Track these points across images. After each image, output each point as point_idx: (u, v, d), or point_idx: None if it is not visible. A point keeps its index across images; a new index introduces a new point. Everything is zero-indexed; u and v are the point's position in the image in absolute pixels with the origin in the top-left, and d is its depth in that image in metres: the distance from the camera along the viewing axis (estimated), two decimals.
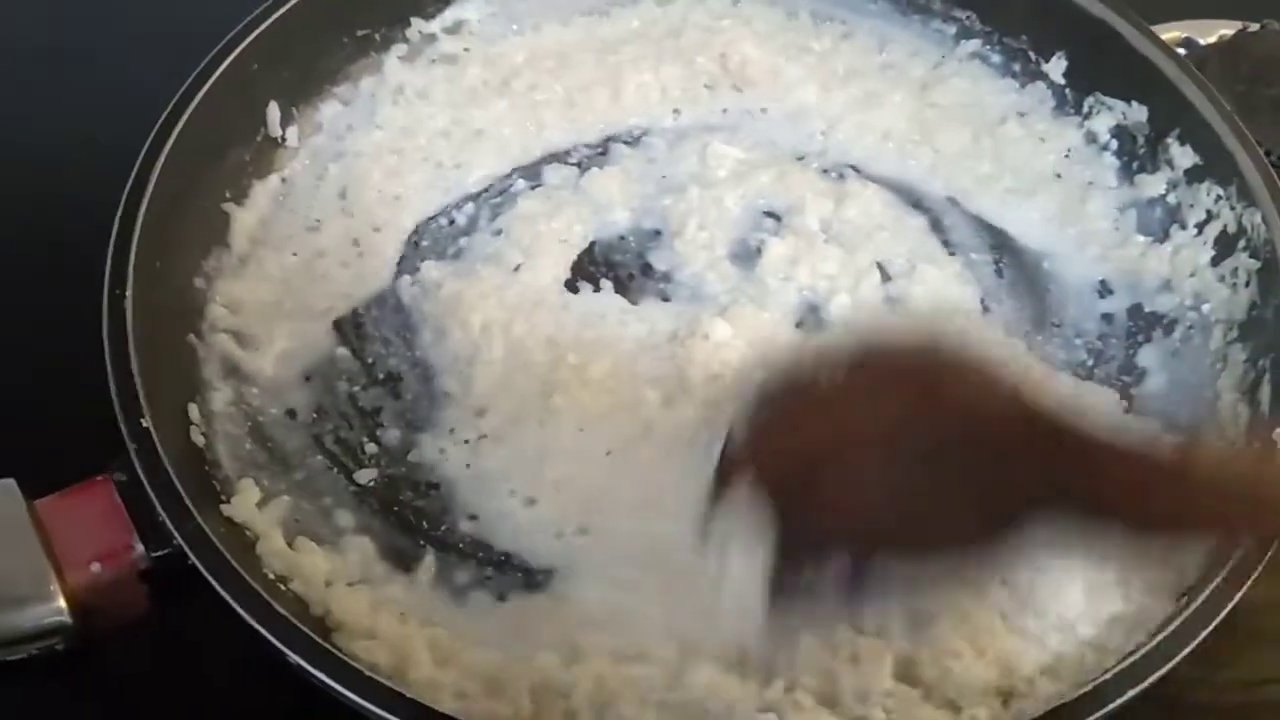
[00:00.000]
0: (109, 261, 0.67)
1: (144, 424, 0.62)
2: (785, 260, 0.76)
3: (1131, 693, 0.58)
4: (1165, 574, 0.63)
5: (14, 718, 0.66)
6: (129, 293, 0.66)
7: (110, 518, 0.61)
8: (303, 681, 0.57)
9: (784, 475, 0.50)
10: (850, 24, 0.87)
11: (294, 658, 0.56)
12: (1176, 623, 0.60)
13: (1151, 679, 0.58)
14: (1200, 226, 0.76)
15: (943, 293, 0.76)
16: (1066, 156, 0.82)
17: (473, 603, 0.66)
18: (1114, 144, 0.81)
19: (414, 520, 0.69)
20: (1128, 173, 0.80)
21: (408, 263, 0.78)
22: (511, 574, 0.67)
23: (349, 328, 0.76)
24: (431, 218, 0.80)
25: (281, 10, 0.77)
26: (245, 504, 0.66)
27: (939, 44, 0.86)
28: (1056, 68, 0.83)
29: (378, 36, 0.83)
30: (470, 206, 0.80)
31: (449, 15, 0.85)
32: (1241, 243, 0.73)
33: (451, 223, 0.80)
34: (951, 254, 0.79)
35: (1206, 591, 0.60)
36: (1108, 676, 0.58)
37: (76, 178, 0.79)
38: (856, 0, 0.87)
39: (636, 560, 0.65)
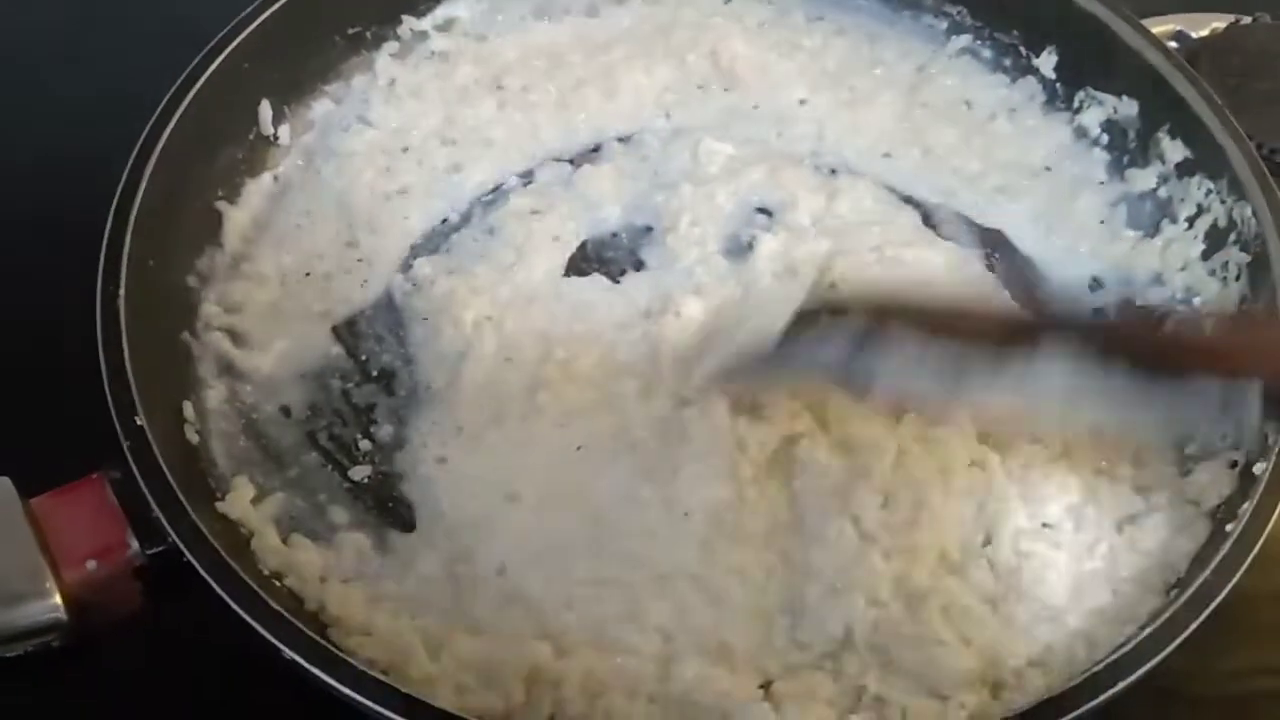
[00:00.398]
0: (102, 260, 0.67)
1: (138, 422, 0.62)
2: (778, 255, 0.76)
3: (1121, 685, 0.58)
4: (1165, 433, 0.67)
5: (10, 714, 0.66)
6: (122, 291, 0.66)
7: (105, 515, 0.61)
8: (298, 678, 0.57)
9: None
10: (841, 21, 0.87)
11: (289, 654, 0.57)
12: (1166, 615, 0.60)
13: (1141, 671, 0.58)
14: (1191, 220, 0.76)
15: (934, 280, 0.76)
16: (1057, 152, 0.82)
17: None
18: (1104, 139, 0.81)
19: (407, 515, 0.69)
20: (1118, 167, 0.81)
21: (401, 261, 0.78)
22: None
23: (343, 326, 0.76)
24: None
25: (273, 8, 0.77)
26: (240, 501, 0.66)
27: (930, 40, 0.86)
28: (1047, 62, 0.83)
29: (369, 34, 0.83)
30: (463, 204, 0.80)
31: (440, 13, 0.85)
32: (1232, 236, 0.74)
33: (444, 220, 0.80)
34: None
35: (1196, 584, 0.61)
36: (1098, 669, 0.59)
37: (69, 176, 0.79)
38: None
39: (611, 556, 0.66)
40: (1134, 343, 0.61)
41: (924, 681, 0.63)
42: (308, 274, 0.77)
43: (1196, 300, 0.75)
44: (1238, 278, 0.73)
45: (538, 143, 0.82)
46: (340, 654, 0.57)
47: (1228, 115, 0.75)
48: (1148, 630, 0.60)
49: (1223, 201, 0.74)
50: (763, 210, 0.79)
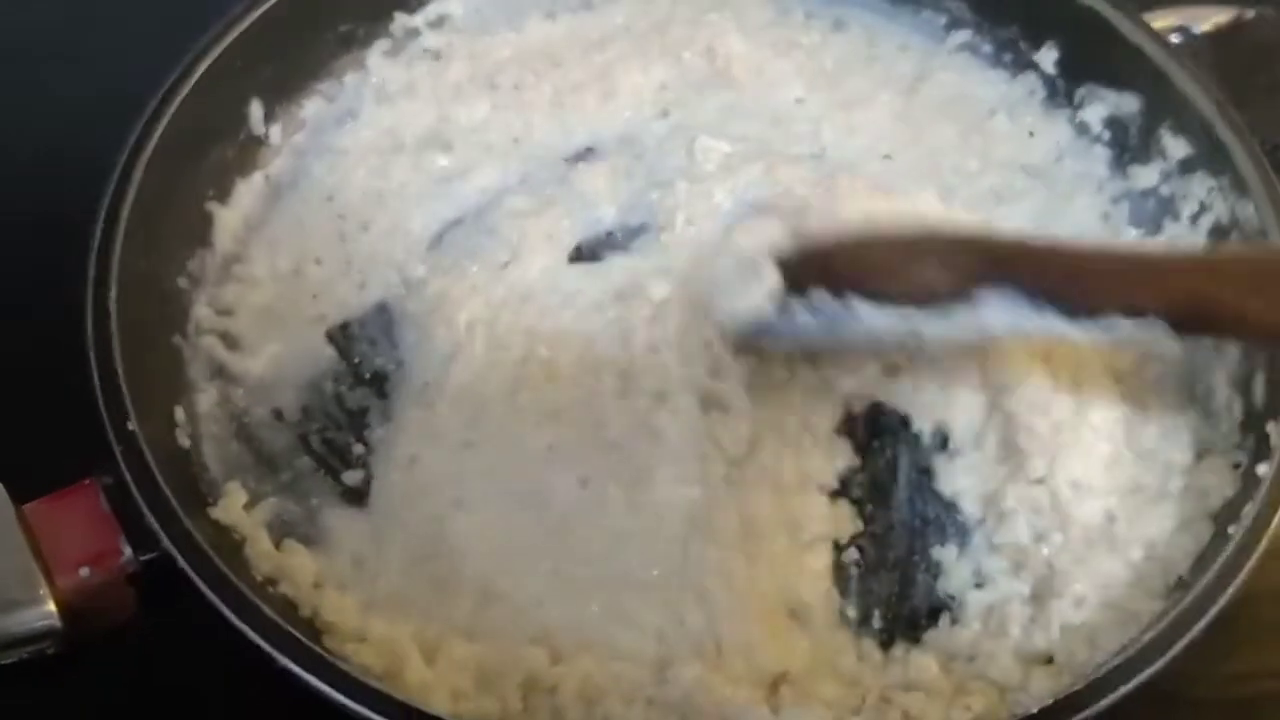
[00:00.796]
0: (92, 263, 0.66)
1: (130, 427, 0.61)
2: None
3: (1129, 686, 0.58)
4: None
5: None
6: (113, 294, 0.65)
7: (98, 521, 0.60)
8: (293, 685, 0.57)
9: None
10: (839, 17, 0.86)
11: (283, 661, 0.56)
12: (1171, 616, 0.60)
13: (1150, 672, 0.58)
14: (1194, 218, 0.76)
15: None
16: (1057, 149, 0.81)
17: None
18: (1106, 135, 0.80)
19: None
20: (1120, 164, 0.80)
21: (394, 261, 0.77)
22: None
23: (336, 328, 0.75)
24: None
25: (264, 6, 0.76)
26: (232, 506, 0.65)
27: (929, 35, 0.85)
28: (1048, 57, 0.82)
29: (361, 32, 0.82)
30: (457, 203, 0.79)
31: (432, 9, 0.84)
32: (1235, 234, 0.73)
33: (437, 219, 0.79)
34: None
35: (1200, 586, 0.60)
36: (1106, 670, 0.58)
37: (58, 177, 0.79)
38: None
39: (579, 557, 0.65)
40: (1049, 278, 0.62)
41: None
42: (300, 275, 0.76)
43: None
44: None
45: (532, 141, 0.82)
46: (334, 661, 0.57)
47: (1230, 111, 0.74)
48: (1152, 632, 0.59)
49: (1225, 199, 0.74)
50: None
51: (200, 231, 0.75)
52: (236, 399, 0.72)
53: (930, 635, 0.67)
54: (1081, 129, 0.81)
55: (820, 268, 0.66)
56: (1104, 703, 0.57)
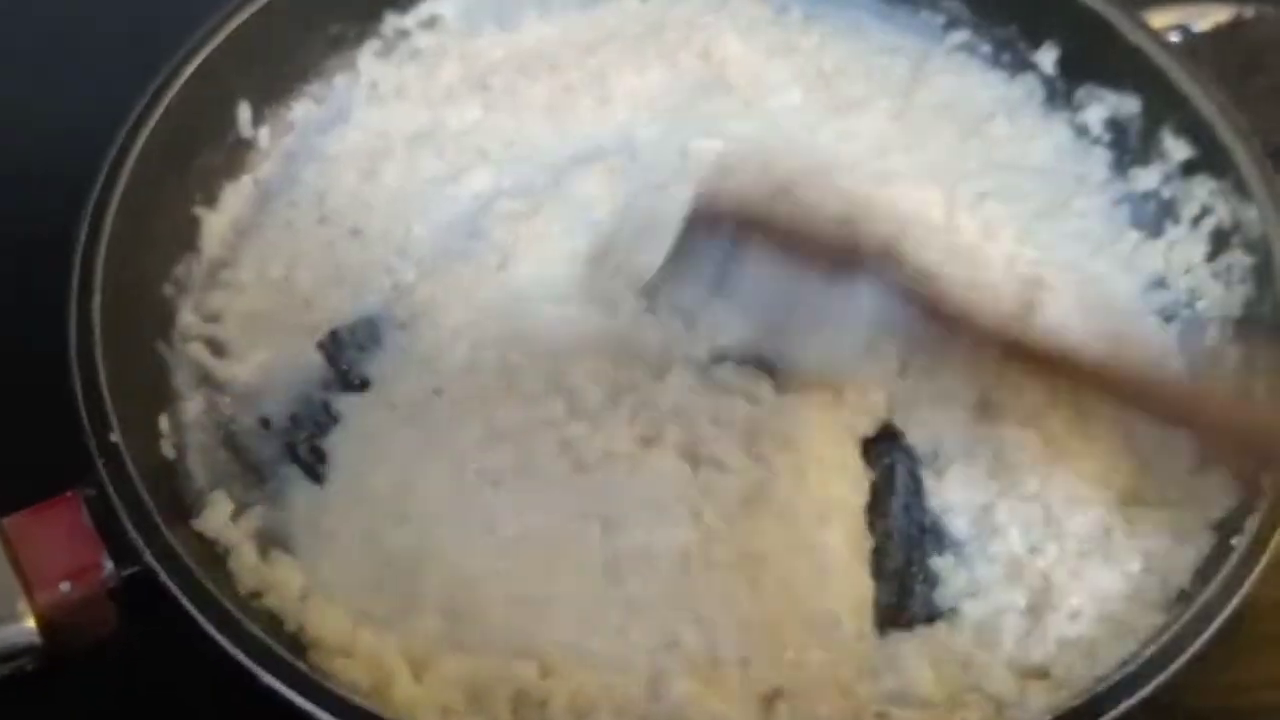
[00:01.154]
0: (76, 269, 0.65)
1: (112, 439, 0.60)
2: None
3: (1128, 703, 0.57)
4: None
5: None
6: (96, 301, 0.64)
7: (79, 535, 0.59)
8: (278, 702, 0.56)
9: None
10: (837, 18, 0.85)
11: (266, 679, 0.55)
12: (1172, 631, 0.59)
13: (1149, 688, 0.57)
14: (1195, 221, 0.75)
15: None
16: (1056, 152, 0.80)
17: None
18: (1106, 136, 0.79)
19: None
20: (1120, 166, 0.79)
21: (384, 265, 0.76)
22: None
23: (325, 335, 0.74)
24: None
25: (253, 7, 0.75)
26: (217, 517, 0.64)
27: (927, 36, 0.84)
28: (1047, 58, 0.81)
29: (351, 33, 0.81)
30: (449, 206, 0.78)
31: (424, 10, 0.83)
32: (1237, 238, 0.72)
33: (429, 223, 0.77)
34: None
35: (1201, 599, 0.59)
36: (1104, 686, 0.57)
37: (41, 182, 0.77)
38: None
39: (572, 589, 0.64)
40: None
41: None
42: (289, 281, 0.75)
43: (1200, 304, 0.73)
44: (1242, 281, 0.71)
45: (525, 144, 0.80)
46: (318, 679, 0.56)
47: (1233, 112, 0.73)
48: (1153, 647, 0.58)
49: (1227, 202, 0.73)
50: None
51: (187, 236, 0.74)
52: (223, 407, 0.71)
53: (925, 642, 0.65)
54: (1081, 131, 0.80)
55: (727, 211, 0.68)
56: (1107, 718, 0.56)
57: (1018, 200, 0.78)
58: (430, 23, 0.83)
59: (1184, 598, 0.62)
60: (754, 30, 0.84)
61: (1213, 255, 0.74)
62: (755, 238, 0.67)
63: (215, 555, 0.63)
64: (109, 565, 0.59)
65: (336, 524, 0.66)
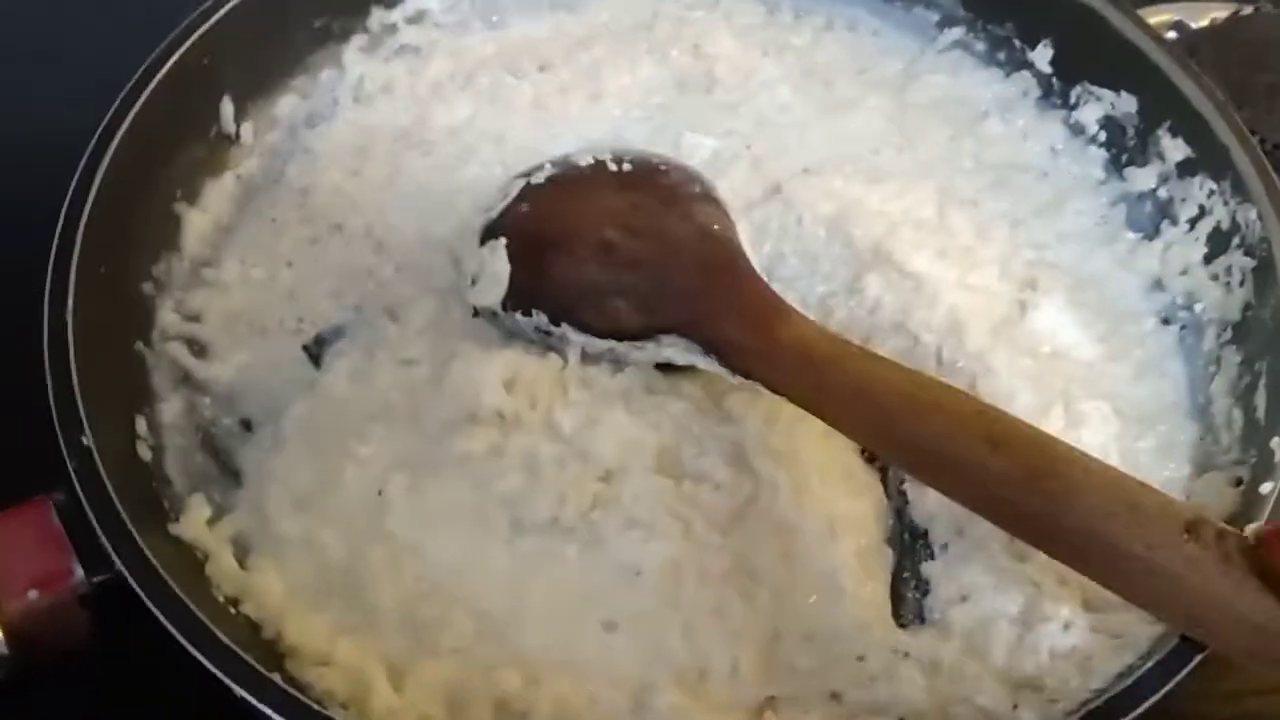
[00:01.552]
0: (50, 268, 0.64)
1: (84, 442, 0.59)
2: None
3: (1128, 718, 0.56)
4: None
5: None
6: (70, 301, 0.63)
7: (49, 541, 0.58)
8: (253, 713, 0.54)
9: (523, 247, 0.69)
10: (829, 15, 0.84)
11: (240, 691, 0.54)
12: (1171, 645, 0.58)
13: (1149, 703, 0.56)
14: (1192, 222, 0.73)
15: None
16: (1051, 151, 0.79)
17: None
18: (1102, 136, 0.78)
19: None
20: (1116, 166, 0.78)
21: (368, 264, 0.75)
22: None
23: (308, 334, 0.73)
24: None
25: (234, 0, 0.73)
26: (195, 522, 0.63)
27: (921, 34, 0.83)
28: (1043, 56, 0.80)
29: (336, 27, 0.80)
30: (437, 205, 0.77)
31: (410, 4, 0.82)
32: (1235, 240, 0.71)
33: (416, 222, 0.76)
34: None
35: None
36: (1101, 701, 0.56)
37: (16, 178, 0.77)
38: None
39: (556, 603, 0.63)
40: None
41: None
42: (272, 279, 0.74)
43: (1198, 307, 0.72)
44: (1241, 283, 0.70)
45: (513, 141, 0.79)
46: (293, 692, 0.54)
47: (1231, 112, 0.72)
48: (1152, 660, 0.57)
49: (1226, 203, 0.71)
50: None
51: (168, 234, 0.73)
52: (203, 408, 0.70)
53: (917, 647, 0.64)
54: (1077, 130, 0.79)
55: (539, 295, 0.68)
56: None
57: (1012, 200, 0.77)
58: (418, 17, 0.82)
59: None
60: (745, 27, 0.83)
61: (1211, 257, 0.72)
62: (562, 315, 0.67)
63: (193, 560, 0.62)
64: (79, 572, 0.58)
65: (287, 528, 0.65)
